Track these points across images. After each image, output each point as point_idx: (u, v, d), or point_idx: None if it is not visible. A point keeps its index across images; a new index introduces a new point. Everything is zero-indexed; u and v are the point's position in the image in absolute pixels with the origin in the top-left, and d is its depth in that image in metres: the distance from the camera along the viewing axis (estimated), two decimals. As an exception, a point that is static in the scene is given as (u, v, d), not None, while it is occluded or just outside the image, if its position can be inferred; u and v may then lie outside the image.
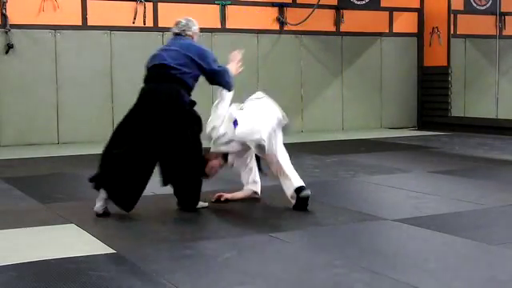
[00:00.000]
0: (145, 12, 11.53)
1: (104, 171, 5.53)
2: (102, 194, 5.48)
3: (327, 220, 5.34)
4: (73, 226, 5.15)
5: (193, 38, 5.92)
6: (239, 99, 6.02)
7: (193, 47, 5.75)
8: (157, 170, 5.62)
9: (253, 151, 5.91)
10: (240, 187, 6.18)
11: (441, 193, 6.44)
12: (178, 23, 5.95)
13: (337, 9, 13.23)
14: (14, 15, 10.72)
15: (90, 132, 11.09)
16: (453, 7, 13.65)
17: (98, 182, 5.53)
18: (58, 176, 7.74)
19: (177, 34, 5.91)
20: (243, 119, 5.77)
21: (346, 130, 13.25)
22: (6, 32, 10.67)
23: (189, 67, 5.63)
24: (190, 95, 5.71)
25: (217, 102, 5.92)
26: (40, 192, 6.58)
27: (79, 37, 11.18)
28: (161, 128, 5.49)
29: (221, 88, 5.88)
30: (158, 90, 5.58)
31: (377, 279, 3.79)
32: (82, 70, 11.20)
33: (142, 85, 5.76)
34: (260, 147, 5.65)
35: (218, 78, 5.83)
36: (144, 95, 5.63)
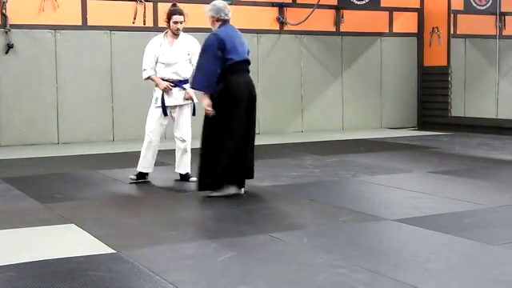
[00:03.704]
0: (145, 12, 11.53)
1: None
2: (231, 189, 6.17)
3: (327, 220, 5.35)
4: (73, 225, 5.15)
5: None
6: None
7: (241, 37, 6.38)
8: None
9: None
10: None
11: (441, 193, 6.44)
12: (222, 9, 6.23)
13: (337, 9, 13.23)
14: (14, 15, 10.72)
15: (90, 132, 11.07)
16: (453, 7, 13.64)
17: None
18: (58, 176, 7.74)
19: (226, 21, 6.27)
20: None
21: (345, 130, 13.24)
22: (6, 32, 10.67)
23: None
24: None
25: None
26: (40, 192, 6.57)
27: (79, 37, 11.18)
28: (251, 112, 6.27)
29: None
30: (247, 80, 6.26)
31: (377, 279, 3.79)
32: (82, 69, 11.20)
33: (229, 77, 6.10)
34: None
35: None
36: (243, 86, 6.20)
